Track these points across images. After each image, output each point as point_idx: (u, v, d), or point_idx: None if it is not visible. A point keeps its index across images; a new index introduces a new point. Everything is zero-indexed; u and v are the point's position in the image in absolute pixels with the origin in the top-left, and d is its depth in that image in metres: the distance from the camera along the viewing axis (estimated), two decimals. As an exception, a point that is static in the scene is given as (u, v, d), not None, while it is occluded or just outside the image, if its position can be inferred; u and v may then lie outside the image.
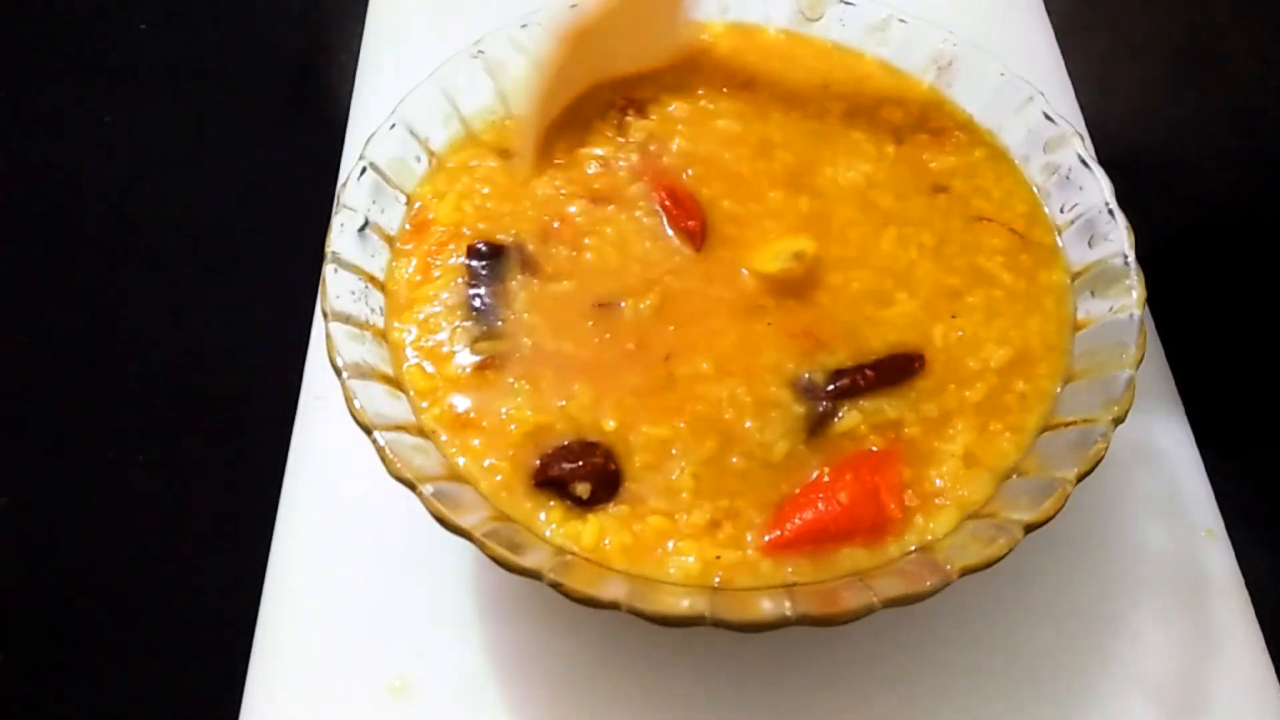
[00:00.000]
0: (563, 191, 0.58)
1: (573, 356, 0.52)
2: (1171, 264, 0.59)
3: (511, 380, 0.51)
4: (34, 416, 0.67)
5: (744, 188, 0.58)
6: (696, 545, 0.47)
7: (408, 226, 0.57)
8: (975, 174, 0.60)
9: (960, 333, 0.53)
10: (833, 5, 0.65)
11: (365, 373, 0.49)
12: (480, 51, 0.62)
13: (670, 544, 0.47)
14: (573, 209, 0.57)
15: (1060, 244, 0.57)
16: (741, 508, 0.48)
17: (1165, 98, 0.75)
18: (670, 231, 0.56)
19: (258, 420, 0.65)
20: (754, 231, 0.56)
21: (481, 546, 0.43)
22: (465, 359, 0.52)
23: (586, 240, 0.56)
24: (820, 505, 0.47)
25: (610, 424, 0.49)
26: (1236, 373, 0.64)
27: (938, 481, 0.48)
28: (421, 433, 0.49)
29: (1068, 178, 0.57)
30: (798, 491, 0.48)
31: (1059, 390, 0.51)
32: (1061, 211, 0.57)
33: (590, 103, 0.62)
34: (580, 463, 0.48)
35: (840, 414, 0.50)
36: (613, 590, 0.43)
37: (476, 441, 0.49)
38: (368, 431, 0.46)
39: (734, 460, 0.49)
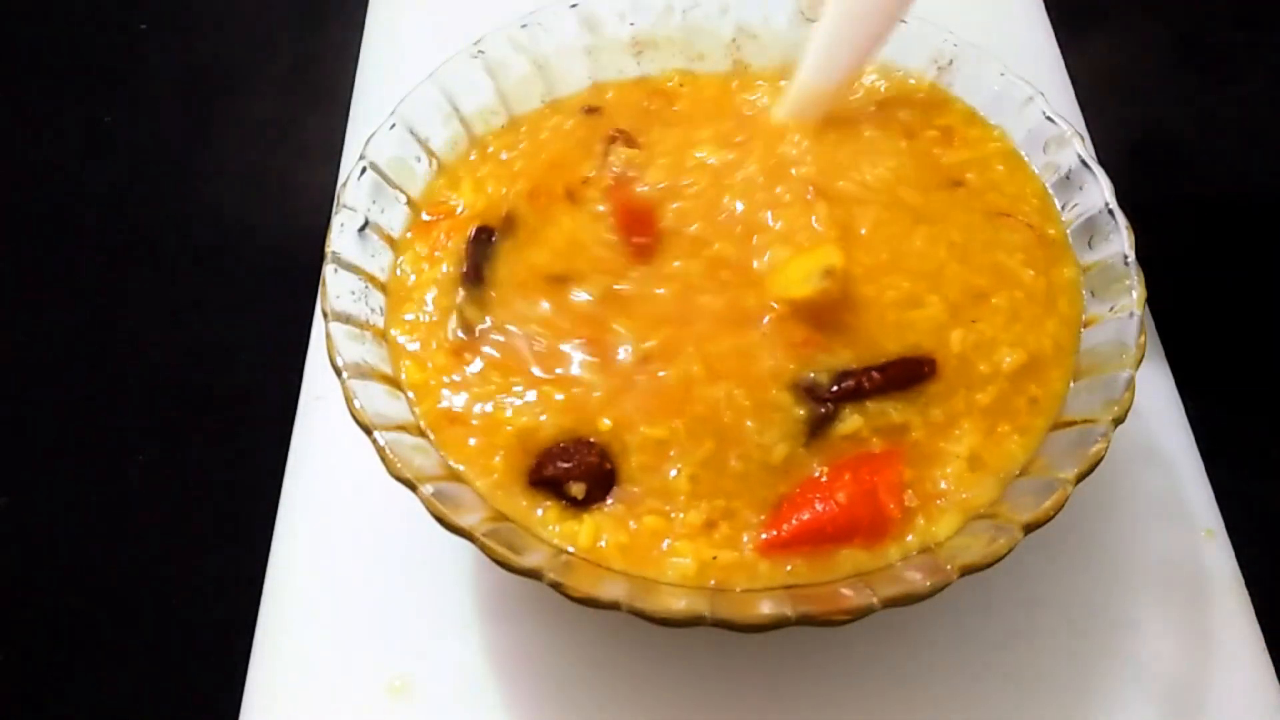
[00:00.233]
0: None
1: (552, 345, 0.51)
2: (1171, 264, 0.59)
3: (497, 376, 0.51)
4: (34, 416, 0.67)
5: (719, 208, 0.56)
6: (693, 545, 0.46)
7: (426, 217, 0.57)
8: (988, 167, 0.59)
9: (978, 336, 0.51)
10: (833, 5, 0.64)
11: (365, 373, 0.49)
12: (480, 51, 0.62)
13: (666, 544, 0.47)
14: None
15: (1069, 238, 0.56)
16: (738, 508, 0.48)
17: (1165, 98, 0.76)
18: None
19: (258, 420, 0.65)
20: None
21: (482, 547, 0.43)
22: (457, 339, 0.52)
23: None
24: (818, 505, 0.47)
25: (606, 423, 0.49)
26: (1236, 373, 0.64)
27: (941, 484, 0.48)
28: (421, 432, 0.49)
29: (1068, 178, 0.57)
30: (795, 491, 0.48)
31: (1068, 391, 0.51)
32: (1062, 212, 0.57)
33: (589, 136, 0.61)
34: (575, 462, 0.48)
35: (842, 417, 0.49)
36: (613, 590, 0.43)
37: (472, 441, 0.49)
38: (368, 431, 0.46)
39: (732, 462, 0.48)
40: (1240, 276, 0.64)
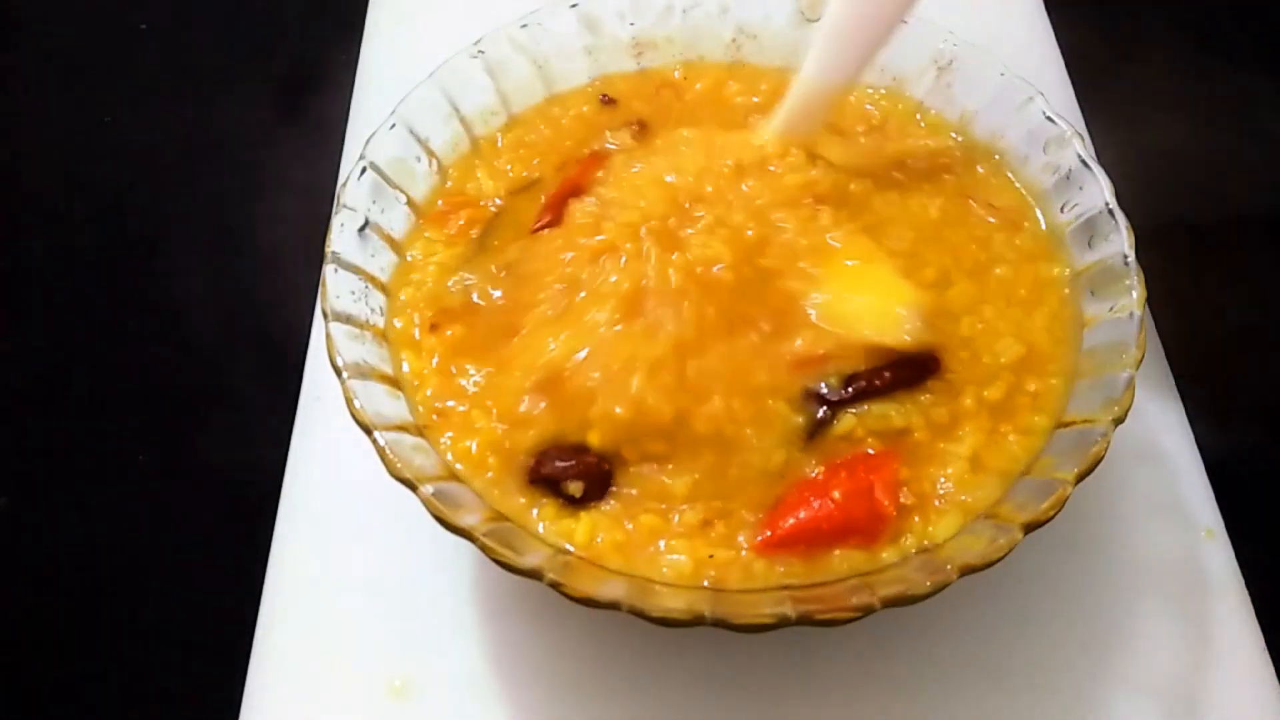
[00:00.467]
0: None
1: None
2: (1171, 264, 0.59)
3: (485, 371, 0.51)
4: (34, 416, 0.67)
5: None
6: (689, 544, 0.47)
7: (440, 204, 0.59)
8: (944, 153, 0.61)
9: (980, 326, 0.52)
10: (833, 5, 0.64)
11: (365, 373, 0.49)
12: (480, 51, 0.62)
13: (662, 542, 0.47)
14: None
15: (1047, 230, 0.57)
16: (734, 507, 0.48)
17: (1165, 97, 0.76)
18: None
19: (258, 420, 0.65)
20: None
21: (482, 547, 0.43)
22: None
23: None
24: (814, 503, 0.47)
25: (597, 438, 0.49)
26: (1236, 373, 0.64)
27: (942, 485, 0.48)
28: (421, 432, 0.49)
29: (1068, 178, 0.57)
30: (792, 491, 0.48)
31: (1069, 389, 0.51)
32: (1061, 211, 0.57)
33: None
34: (573, 461, 0.48)
35: (839, 418, 0.49)
36: (613, 590, 0.43)
37: (471, 443, 0.49)
38: (368, 431, 0.46)
39: (731, 468, 0.48)
40: (1240, 276, 0.64)
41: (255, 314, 0.70)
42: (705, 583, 0.46)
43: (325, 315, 0.50)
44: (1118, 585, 0.56)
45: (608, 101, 0.64)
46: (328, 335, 0.49)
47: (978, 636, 0.54)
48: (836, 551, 0.46)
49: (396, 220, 0.57)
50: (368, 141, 0.56)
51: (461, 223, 0.58)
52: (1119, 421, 0.46)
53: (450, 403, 0.51)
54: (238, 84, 0.84)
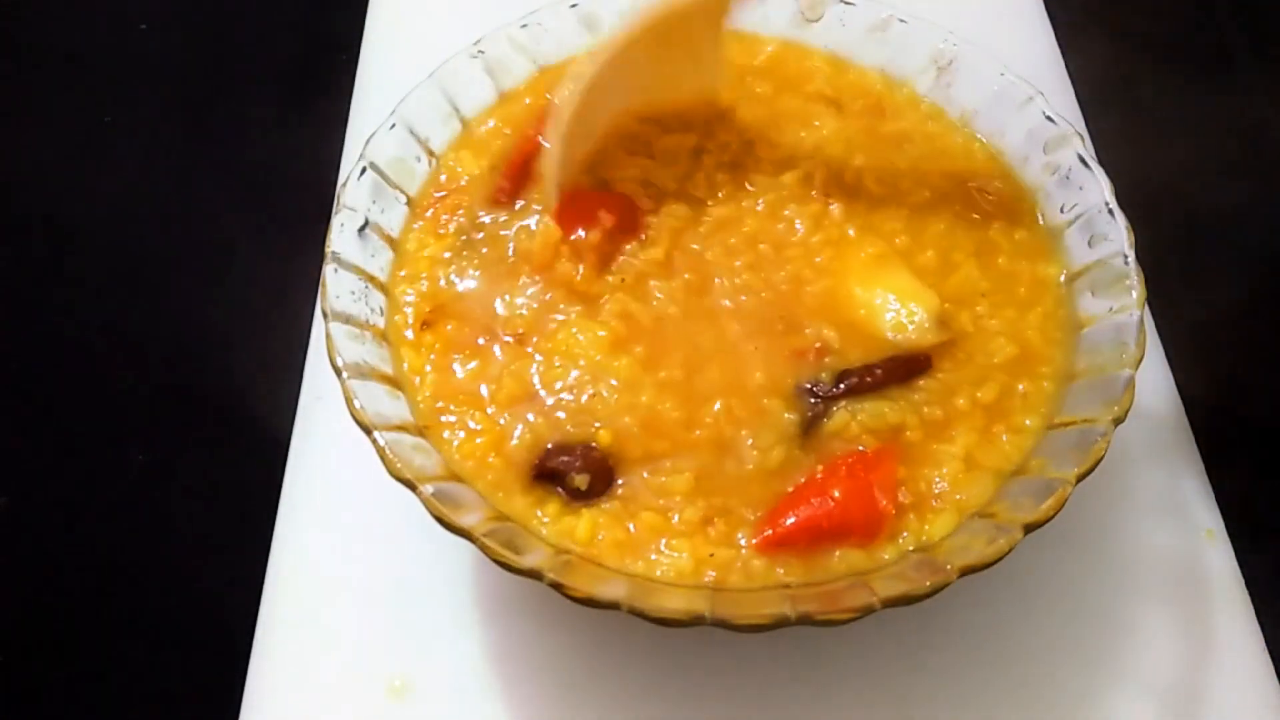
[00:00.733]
0: None
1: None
2: (1171, 264, 0.59)
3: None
4: (34, 416, 0.67)
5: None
6: (689, 542, 0.47)
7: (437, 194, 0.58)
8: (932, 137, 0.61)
9: (976, 325, 0.53)
10: (833, 6, 0.64)
11: (365, 373, 0.49)
12: (480, 51, 0.62)
13: (663, 541, 0.47)
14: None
15: (1047, 229, 0.57)
16: (735, 506, 0.48)
17: (1165, 97, 0.76)
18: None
19: (258, 420, 0.65)
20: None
21: (482, 547, 0.43)
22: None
23: None
24: (814, 502, 0.47)
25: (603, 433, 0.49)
26: (1236, 372, 0.64)
27: (937, 485, 0.48)
28: (421, 432, 0.49)
29: (1068, 178, 0.57)
30: (791, 490, 0.48)
31: (1061, 391, 0.51)
32: (1061, 211, 0.57)
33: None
34: (578, 456, 0.48)
35: (831, 415, 0.49)
36: (613, 590, 0.43)
37: (474, 440, 0.50)
38: (368, 431, 0.46)
39: (728, 466, 0.49)
40: (1240, 276, 0.64)
41: (255, 314, 0.70)
42: (708, 578, 0.46)
43: (325, 315, 0.50)
44: (1118, 585, 0.56)
45: None
46: (328, 335, 0.49)
47: (978, 636, 0.54)
48: (836, 551, 0.47)
49: (396, 220, 0.57)
50: (368, 141, 0.56)
51: (446, 217, 0.57)
52: (1119, 421, 0.46)
53: (451, 402, 0.51)
54: (238, 84, 0.84)
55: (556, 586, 0.43)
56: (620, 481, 0.48)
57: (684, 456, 0.49)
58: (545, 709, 0.53)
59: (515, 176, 0.57)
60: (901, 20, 0.63)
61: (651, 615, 0.42)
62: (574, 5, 0.64)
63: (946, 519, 0.47)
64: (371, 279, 0.54)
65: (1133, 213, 0.54)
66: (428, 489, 0.45)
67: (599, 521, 0.47)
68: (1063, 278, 0.55)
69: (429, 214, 0.58)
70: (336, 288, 0.51)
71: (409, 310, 0.54)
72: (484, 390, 0.51)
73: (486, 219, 0.57)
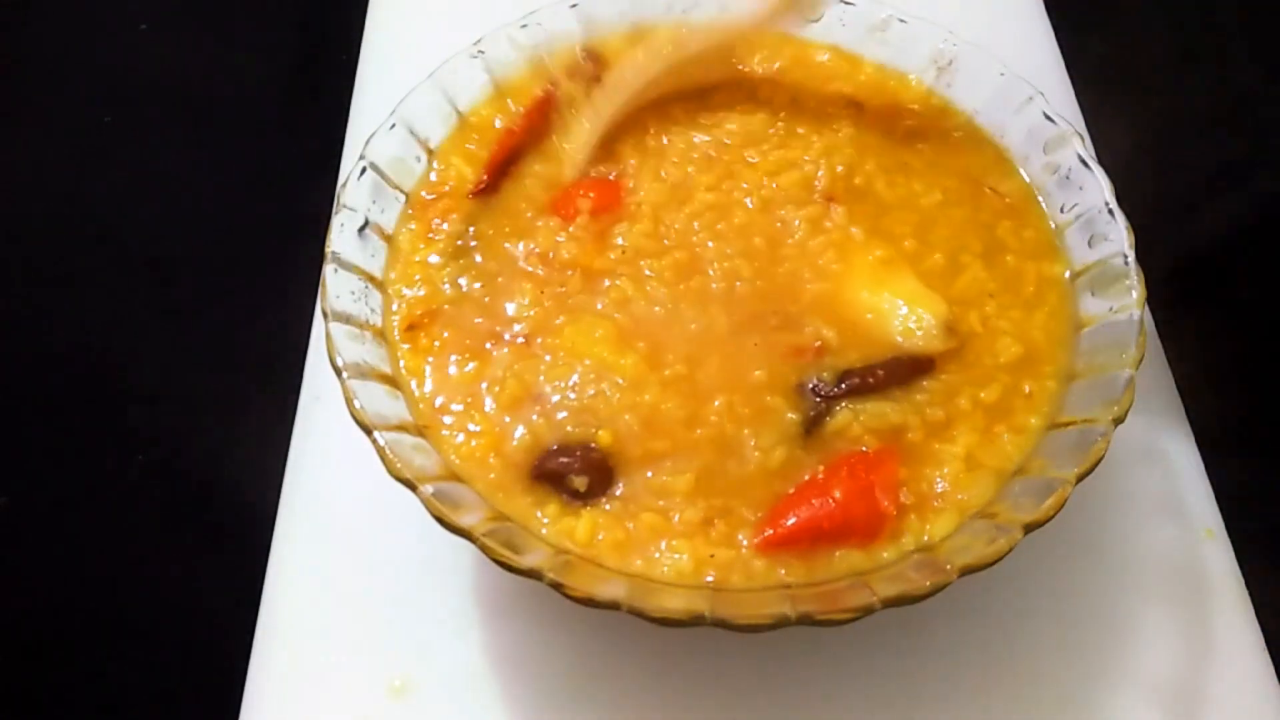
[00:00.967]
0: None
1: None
2: (1171, 264, 0.59)
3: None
4: (34, 416, 0.67)
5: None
6: (690, 543, 0.47)
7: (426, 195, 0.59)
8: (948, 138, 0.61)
9: (983, 325, 0.53)
10: (833, 5, 0.64)
11: (365, 373, 0.49)
12: (480, 51, 0.62)
13: (664, 542, 0.47)
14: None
15: (1053, 228, 0.57)
16: (735, 506, 0.48)
17: (1165, 98, 0.76)
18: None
19: (258, 420, 0.65)
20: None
21: (482, 547, 0.43)
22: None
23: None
24: (815, 503, 0.47)
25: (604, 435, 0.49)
26: (1236, 373, 0.64)
27: (938, 484, 0.48)
28: (421, 432, 0.49)
29: (1068, 178, 0.57)
30: (792, 490, 0.48)
31: (1064, 390, 0.51)
32: (1061, 211, 0.57)
33: None
34: (577, 457, 0.48)
35: (833, 414, 0.49)
36: (613, 590, 0.43)
37: (473, 442, 0.50)
38: (368, 431, 0.46)
39: (730, 466, 0.49)
40: (1240, 276, 0.64)
41: (255, 314, 0.70)
42: (708, 579, 0.46)
43: (325, 315, 0.50)
44: (1118, 585, 0.56)
45: (589, 58, 0.64)
46: (328, 335, 0.49)
47: (978, 636, 0.54)
48: (836, 551, 0.47)
49: (395, 220, 0.57)
50: (368, 141, 0.56)
51: (438, 222, 0.57)
52: (1119, 421, 0.46)
53: (450, 403, 0.51)
54: (238, 84, 0.84)
55: (556, 586, 0.43)
56: (620, 482, 0.48)
57: (685, 456, 0.49)
58: (545, 709, 0.53)
59: (495, 170, 0.59)
60: (901, 20, 0.63)
61: (651, 615, 0.42)
62: (574, 5, 0.64)
63: (948, 519, 0.47)
64: (371, 279, 0.54)
65: (1133, 212, 0.54)
66: (428, 489, 0.45)
67: (599, 522, 0.47)
68: (1067, 275, 0.55)
69: (423, 214, 0.58)
70: (336, 288, 0.51)
71: (395, 317, 0.54)
72: (484, 390, 0.51)
73: (481, 221, 0.57)
